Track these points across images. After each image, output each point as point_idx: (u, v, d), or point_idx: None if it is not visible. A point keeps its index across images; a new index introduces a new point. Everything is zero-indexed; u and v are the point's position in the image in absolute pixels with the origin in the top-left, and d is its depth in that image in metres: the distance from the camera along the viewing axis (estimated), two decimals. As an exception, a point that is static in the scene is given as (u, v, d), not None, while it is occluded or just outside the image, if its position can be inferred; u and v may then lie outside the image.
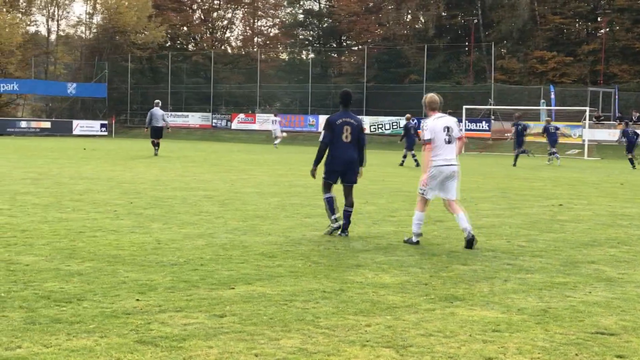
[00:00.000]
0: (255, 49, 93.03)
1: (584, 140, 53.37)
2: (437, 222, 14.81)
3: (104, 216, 14.42)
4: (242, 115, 77.79)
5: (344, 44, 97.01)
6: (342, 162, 12.99)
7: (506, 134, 57.00)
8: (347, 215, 13.04)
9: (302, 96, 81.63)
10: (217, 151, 46.37)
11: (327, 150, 13.06)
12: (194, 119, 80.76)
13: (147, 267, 9.73)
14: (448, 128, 12.23)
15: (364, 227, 13.89)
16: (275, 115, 61.60)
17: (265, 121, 72.65)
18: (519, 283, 9.42)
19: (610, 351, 6.76)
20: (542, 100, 65.91)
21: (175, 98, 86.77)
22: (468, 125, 61.90)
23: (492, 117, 66.04)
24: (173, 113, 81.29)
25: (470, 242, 11.93)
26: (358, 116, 13.59)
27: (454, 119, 12.60)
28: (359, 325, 7.38)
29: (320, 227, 13.63)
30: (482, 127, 64.33)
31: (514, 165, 38.13)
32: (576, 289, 9.20)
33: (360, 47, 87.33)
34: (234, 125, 76.81)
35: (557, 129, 43.97)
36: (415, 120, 38.17)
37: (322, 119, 70.16)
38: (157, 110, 37.63)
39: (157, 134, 37.67)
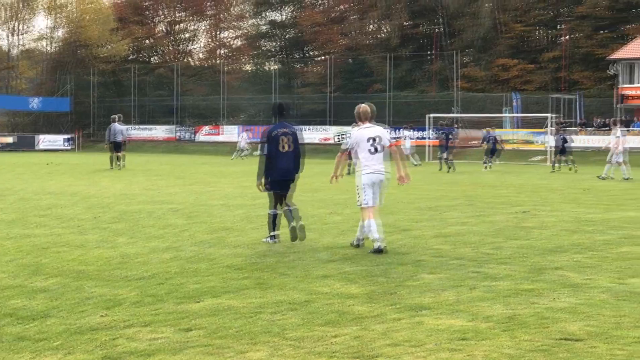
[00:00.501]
0: (219, 61, 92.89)
1: (547, 147, 53.67)
2: (404, 232, 14.84)
3: (69, 231, 14.33)
4: (207, 128, 77.67)
5: (308, 54, 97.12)
6: (282, 172, 13.21)
7: (473, 142, 57.41)
8: (290, 211, 13.14)
9: (267, 107, 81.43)
10: (182, 164, 46.23)
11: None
12: (159, 131, 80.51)
13: (113, 282, 9.68)
14: (374, 139, 12.52)
15: (331, 238, 13.89)
16: (244, 131, 62.01)
17: (231, 132, 72.70)
18: (485, 291, 9.46)
19: (576, 357, 6.80)
20: (506, 108, 66.36)
21: (139, 111, 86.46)
22: (433, 134, 62.08)
23: (457, 125, 66.32)
24: (138, 126, 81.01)
25: (379, 250, 12.17)
26: (293, 126, 13.84)
27: (383, 129, 12.85)
28: (326, 336, 7.38)
29: (287, 238, 13.61)
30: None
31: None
32: (542, 295, 9.25)
33: (324, 57, 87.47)
34: (199, 137, 76.65)
35: (495, 139, 46.31)
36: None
37: (288, 129, 70.07)
38: (116, 125, 37.80)
39: (117, 148, 37.75)
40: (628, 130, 53.68)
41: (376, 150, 12.54)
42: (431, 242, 13.40)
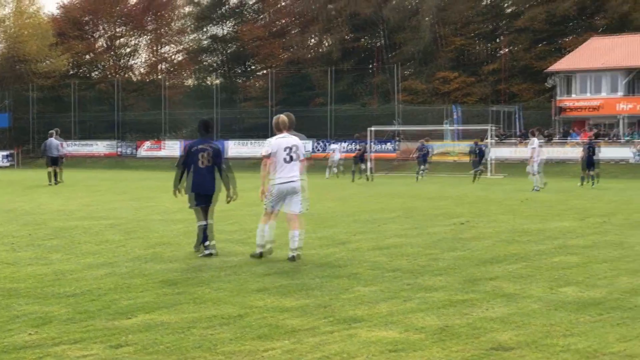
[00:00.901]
0: (160, 76, 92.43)
1: (487, 158, 54.16)
2: (341, 245, 14.85)
3: (2, 249, 14.11)
4: (148, 143, 77.24)
5: (250, 68, 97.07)
6: (199, 187, 13.61)
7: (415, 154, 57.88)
8: (204, 229, 13.56)
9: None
10: (123, 179, 45.86)
11: (185, 176, 13.76)
12: (100, 147, 79.93)
13: (44, 300, 9.55)
14: (290, 148, 13.02)
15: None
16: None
17: (172, 148, 72.40)
18: (419, 302, 9.50)
19: (505, 366, 6.85)
20: (446, 120, 66.90)
21: (81, 127, 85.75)
22: (375, 147, 62.35)
23: (398, 137, 66.73)
24: (79, 142, 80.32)
25: (292, 259, 12.74)
26: (216, 142, 14.47)
27: (299, 140, 13.30)
28: (257, 350, 7.36)
29: (224, 253, 13.57)
30: (389, 148, 64.90)
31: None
32: (475, 305, 9.32)
33: (266, 71, 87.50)
34: (141, 152, 76.22)
35: (427, 151, 48.36)
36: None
37: (229, 144, 70.07)
38: (52, 141, 37.65)
39: (53, 162, 37.57)
40: (547, 140, 54.67)
41: (292, 158, 13.00)
42: (368, 255, 13.43)
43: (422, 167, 47.17)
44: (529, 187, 34.07)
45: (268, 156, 13.01)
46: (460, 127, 64.49)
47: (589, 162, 37.53)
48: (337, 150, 52.31)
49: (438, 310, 9.07)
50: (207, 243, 13.45)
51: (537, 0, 78.67)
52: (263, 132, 74.65)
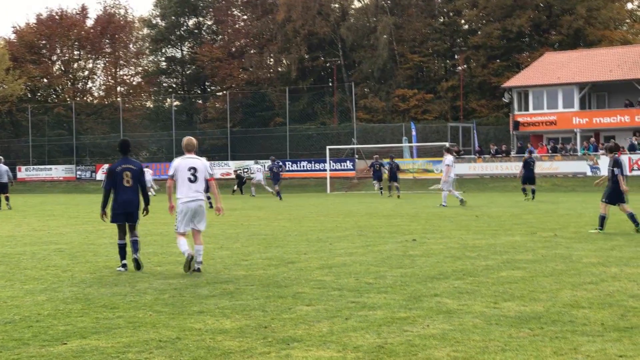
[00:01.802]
0: (118, 98, 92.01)
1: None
2: (289, 264, 14.77)
3: (-56, 276, 13.88)
4: (106, 166, 76.70)
5: (209, 89, 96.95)
6: (124, 205, 14.43)
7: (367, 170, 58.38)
8: (133, 242, 14.57)
9: (169, 144, 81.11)
10: (79, 203, 45.50)
11: (111, 196, 14.56)
12: (58, 171, 79.35)
13: (-21, 327, 9.38)
14: (195, 168, 13.99)
15: (214, 273, 13.73)
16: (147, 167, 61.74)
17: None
18: (359, 320, 9.43)
19: (437, 383, 6.81)
20: (405, 137, 67.14)
21: (37, 151, 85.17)
22: (333, 165, 62.43)
23: (356, 156, 66.85)
24: (36, 166, 79.74)
25: (198, 270, 13.75)
26: (138, 162, 15.33)
27: (202, 162, 14.27)
28: (190, 373, 7.26)
29: (170, 275, 13.46)
30: (347, 166, 64.99)
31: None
32: (415, 322, 9.27)
33: (224, 92, 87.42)
34: (99, 176, 75.70)
35: (382, 165, 49.43)
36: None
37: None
38: (1, 166, 37.45)
39: (2, 189, 37.40)
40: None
41: (196, 178, 13.95)
42: (315, 274, 13.36)
43: (377, 183, 48.93)
44: (484, 203, 34.19)
45: (171, 177, 14.06)
46: (417, 145, 64.72)
47: (528, 176, 38.88)
48: (260, 171, 54.47)
49: (378, 327, 9.01)
50: (124, 262, 14.38)
51: (493, 17, 79.36)
52: (223, 152, 74.60)
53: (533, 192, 38.68)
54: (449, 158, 34.81)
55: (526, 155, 42.31)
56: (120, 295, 11.59)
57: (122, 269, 14.26)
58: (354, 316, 9.70)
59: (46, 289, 12.25)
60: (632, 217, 20.26)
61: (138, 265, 14.28)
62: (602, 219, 20.33)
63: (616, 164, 20.41)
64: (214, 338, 8.63)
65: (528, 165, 38.79)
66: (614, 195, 20.34)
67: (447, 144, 50.66)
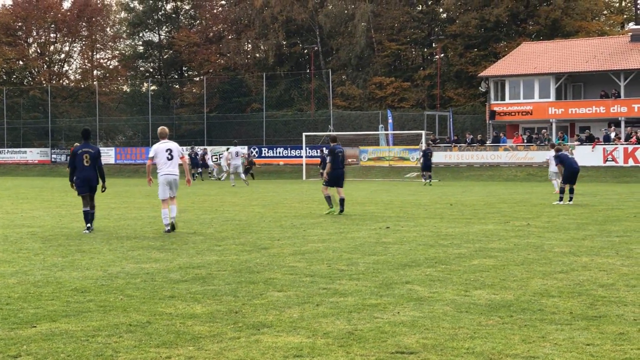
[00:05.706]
0: (94, 82, 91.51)
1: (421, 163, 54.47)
2: (262, 250, 14.77)
3: None
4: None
5: (186, 74, 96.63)
6: (84, 180, 18.35)
7: (351, 159, 58.12)
8: (91, 214, 18.39)
9: (144, 128, 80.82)
10: (54, 187, 45.25)
11: (74, 173, 18.56)
12: (33, 154, 78.92)
13: (-52, 310, 9.33)
14: (170, 150, 18.16)
15: (187, 258, 13.71)
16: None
17: (107, 154, 71.90)
18: (330, 307, 9.45)
19: (405, 369, 6.83)
20: (381, 125, 67.19)
21: (12, 134, 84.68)
22: (309, 152, 62.39)
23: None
24: (10, 149, 79.27)
25: (172, 227, 17.99)
26: (96, 147, 19.29)
27: (175, 145, 18.57)
28: (159, 357, 7.25)
29: (142, 259, 13.44)
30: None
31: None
32: (386, 309, 9.29)
33: (201, 77, 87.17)
34: (75, 159, 75.38)
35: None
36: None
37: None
38: None
39: None
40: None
41: (172, 157, 18.13)
42: (287, 260, 13.37)
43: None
44: (459, 191, 34.27)
45: (151, 158, 18.21)
46: (393, 132, 64.78)
47: (426, 165, 46.40)
48: (238, 154, 47.01)
49: (349, 314, 9.03)
50: (89, 225, 18.12)
51: (470, 6, 79.45)
52: (199, 138, 74.34)
53: (430, 177, 46.53)
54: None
55: (425, 144, 50.28)
56: (92, 279, 11.55)
57: (87, 231, 17.92)
58: (325, 302, 9.72)
59: (17, 272, 12.19)
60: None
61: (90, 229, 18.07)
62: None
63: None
64: (184, 323, 8.63)
65: (426, 155, 46.43)
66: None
67: (422, 132, 50.71)
